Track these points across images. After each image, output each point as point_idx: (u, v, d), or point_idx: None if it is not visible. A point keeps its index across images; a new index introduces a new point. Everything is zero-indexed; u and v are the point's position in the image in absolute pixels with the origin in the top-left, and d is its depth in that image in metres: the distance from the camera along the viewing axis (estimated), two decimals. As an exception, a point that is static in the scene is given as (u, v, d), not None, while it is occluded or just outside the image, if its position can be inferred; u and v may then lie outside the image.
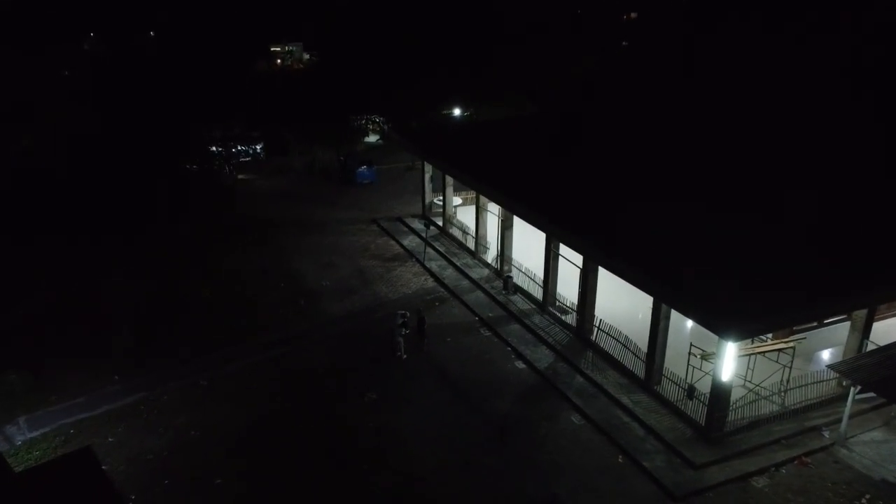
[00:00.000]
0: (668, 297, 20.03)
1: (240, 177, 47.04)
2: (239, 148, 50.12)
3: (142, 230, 31.58)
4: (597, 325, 24.28)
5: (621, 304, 25.24)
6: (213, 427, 21.19)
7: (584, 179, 28.28)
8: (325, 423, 21.34)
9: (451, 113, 53.22)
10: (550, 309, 26.89)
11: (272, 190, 44.41)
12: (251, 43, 67.92)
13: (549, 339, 25.31)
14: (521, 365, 24.33)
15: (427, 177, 36.89)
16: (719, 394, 19.26)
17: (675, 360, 21.68)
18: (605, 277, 23.41)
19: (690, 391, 20.43)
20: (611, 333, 23.53)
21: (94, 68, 55.82)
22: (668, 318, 21.30)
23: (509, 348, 25.32)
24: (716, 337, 18.46)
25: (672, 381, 21.17)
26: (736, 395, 19.81)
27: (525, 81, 53.17)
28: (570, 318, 25.84)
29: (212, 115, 47.46)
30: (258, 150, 50.66)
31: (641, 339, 22.13)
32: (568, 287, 26.25)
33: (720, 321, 17.70)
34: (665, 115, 40.86)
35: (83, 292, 27.97)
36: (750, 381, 20.97)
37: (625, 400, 21.68)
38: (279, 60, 78.51)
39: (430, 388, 23.03)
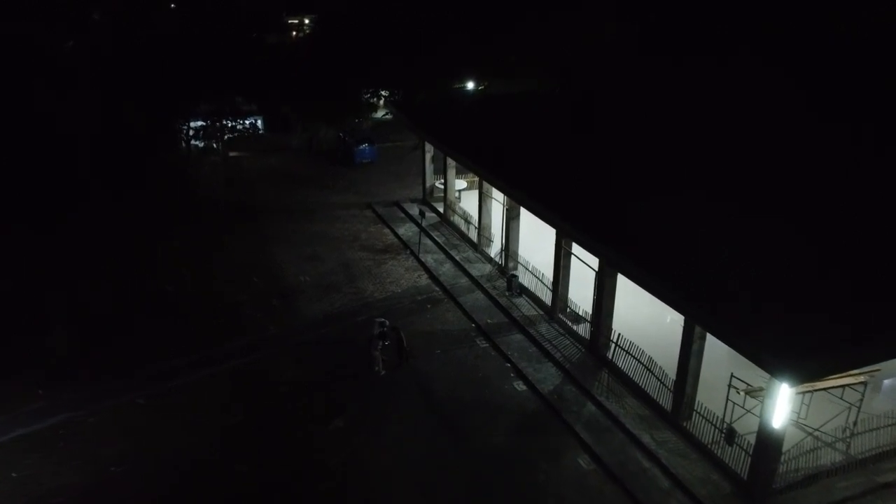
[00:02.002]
0: (705, 321, 15.76)
1: (231, 154, 43.32)
2: (232, 123, 46.25)
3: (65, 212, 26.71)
4: (614, 339, 20.09)
5: (644, 313, 21.00)
6: (140, 461, 17.48)
7: (603, 169, 23.85)
8: (281, 458, 17.53)
9: (464, 87, 48.77)
10: (560, 316, 22.73)
11: (263, 169, 40.69)
12: (264, 15, 63.62)
13: (557, 355, 21.18)
14: (521, 386, 20.26)
15: (428, 157, 32.73)
16: (768, 442, 15.03)
17: (710, 391, 17.45)
18: (626, 281, 19.18)
19: (730, 434, 16.19)
20: (631, 352, 19.35)
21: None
22: (703, 338, 17.05)
23: (508, 364, 21.24)
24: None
25: (705, 419, 16.97)
26: (788, 440, 15.55)
27: (545, 53, 48.36)
28: (583, 329, 21.67)
29: (200, 88, 43.45)
30: (256, 125, 46.71)
31: (669, 361, 17.95)
32: (582, 290, 22.05)
33: (777, 360, 13.39)
34: (700, 98, 35.93)
35: (14, 287, 24.28)
36: (806, 423, 16.69)
37: (646, 438, 17.52)
38: (294, 33, 74.84)
39: (410, 414, 19.10)
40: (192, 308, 24.39)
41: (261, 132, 47.71)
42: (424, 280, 26.66)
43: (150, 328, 23.00)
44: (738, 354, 14.76)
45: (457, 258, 27.60)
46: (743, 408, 16.86)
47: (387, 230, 31.27)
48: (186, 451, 17.76)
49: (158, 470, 17.14)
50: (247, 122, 45.99)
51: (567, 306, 22.65)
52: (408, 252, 28.92)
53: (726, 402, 16.99)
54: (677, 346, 17.55)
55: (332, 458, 17.49)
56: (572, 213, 20.49)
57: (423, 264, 27.68)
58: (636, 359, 19.12)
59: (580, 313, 22.03)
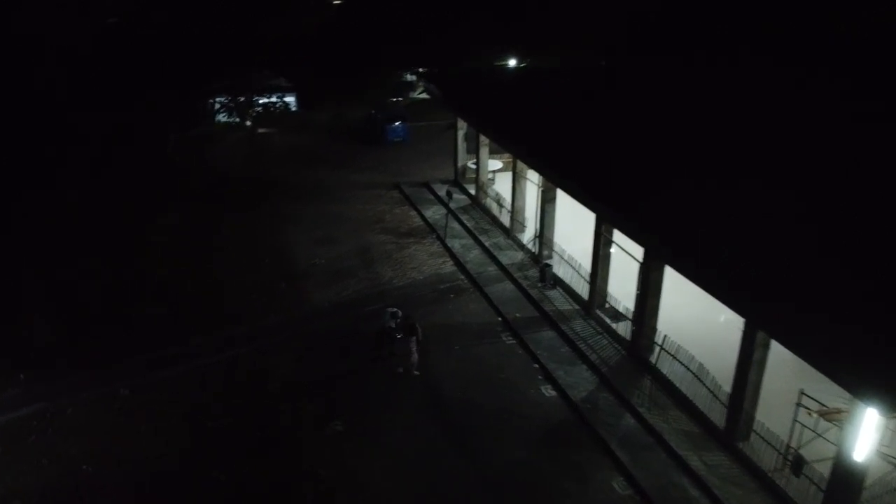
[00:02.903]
0: (773, 327, 12.91)
1: (259, 130, 41.55)
2: (262, 98, 44.43)
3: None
4: (659, 341, 17.31)
5: (693, 310, 18.17)
6: (113, 460, 15.55)
7: (651, 149, 20.87)
8: (267, 464, 15.39)
9: (502, 63, 45.89)
10: (597, 312, 20.00)
11: (290, 146, 38.65)
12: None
13: (592, 356, 18.50)
14: (549, 391, 17.67)
15: (460, 135, 30.15)
16: (847, 475, 12.17)
17: (772, 408, 14.61)
18: (673, 274, 16.42)
19: (798, 463, 13.34)
20: (678, 357, 16.57)
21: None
22: (766, 346, 14.19)
23: (536, 365, 18.66)
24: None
25: (767, 441, 14.15)
26: (870, 472, 12.64)
27: (586, 28, 45.06)
28: (624, 328, 18.91)
29: (225, 62, 41.60)
30: (285, 101, 44.81)
31: (722, 369, 15.17)
32: (623, 283, 19.29)
33: (866, 381, 10.52)
34: (758, 75, 32.35)
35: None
36: (892, 455, 13.71)
37: (693, 461, 14.76)
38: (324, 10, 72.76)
39: (417, 420, 16.72)
40: (190, 292, 22.43)
41: (292, 109, 45.91)
42: (449, 267, 24.20)
43: (143, 313, 21.11)
44: (806, 365, 11.94)
45: (486, 244, 25.04)
46: (814, 431, 13.97)
47: (413, 212, 28.87)
48: (163, 454, 15.74)
49: (128, 473, 15.19)
50: (275, 98, 44.26)
51: (606, 301, 19.91)
52: (433, 236, 26.49)
53: (793, 423, 14.08)
54: (732, 351, 14.73)
55: (321, 470, 15.21)
56: (614, 196, 17.74)
57: (448, 250, 25.21)
58: (684, 365, 16.34)
59: (620, 310, 19.27)
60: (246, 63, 44.36)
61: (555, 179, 20.86)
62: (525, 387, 17.83)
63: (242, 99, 42.59)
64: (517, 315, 20.85)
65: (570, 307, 20.84)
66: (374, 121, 39.21)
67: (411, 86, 50.27)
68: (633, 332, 18.24)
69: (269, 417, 16.80)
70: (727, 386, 15.09)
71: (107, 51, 37.34)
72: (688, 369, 16.25)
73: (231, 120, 42.72)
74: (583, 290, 20.66)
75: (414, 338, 18.04)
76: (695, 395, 16.00)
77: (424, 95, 48.52)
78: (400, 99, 47.39)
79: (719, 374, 15.49)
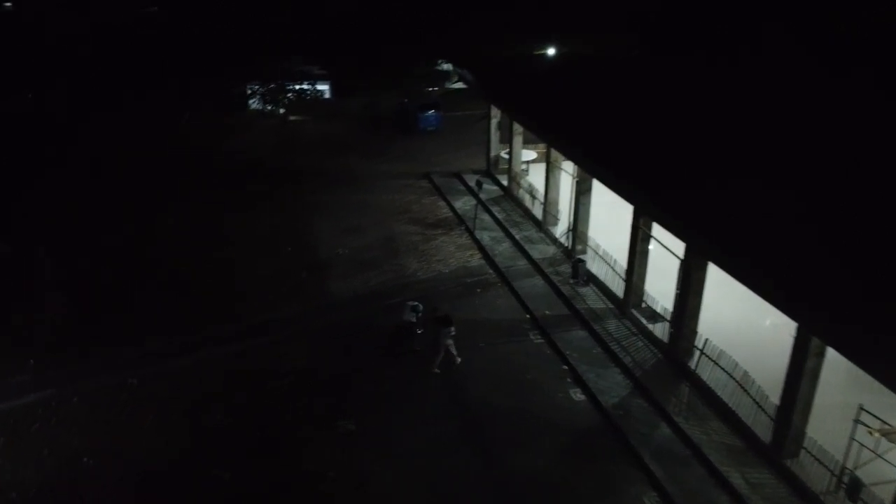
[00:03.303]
0: (835, 336, 11.47)
1: (291, 118, 40.96)
2: (295, 86, 43.79)
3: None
4: (699, 345, 15.95)
5: (736, 311, 16.82)
6: (115, 454, 14.82)
7: (694, 140, 19.37)
8: (272, 463, 14.52)
9: (543, 52, 44.43)
10: (633, 312, 18.69)
11: (320, 134, 37.95)
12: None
13: (626, 359, 17.21)
14: (578, 395, 16.45)
15: (494, 123, 28.97)
16: (912, 505, 10.75)
17: (825, 423, 13.21)
18: (716, 272, 15.08)
19: (854, 486, 11.94)
20: (721, 363, 15.20)
21: None
22: (821, 355, 12.77)
23: (566, 366, 17.44)
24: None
25: (819, 460, 12.75)
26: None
27: (632, 12, 43.20)
28: (661, 330, 17.58)
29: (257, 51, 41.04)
30: (315, 89, 44.10)
31: (769, 378, 13.81)
32: (662, 281, 17.95)
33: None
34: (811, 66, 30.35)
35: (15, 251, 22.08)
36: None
37: (735, 478, 13.42)
38: None
39: (434, 421, 15.66)
40: (207, 279, 21.73)
41: (326, 97, 45.24)
42: (477, 260, 23.07)
43: (158, 299, 20.48)
44: (867, 377, 10.56)
45: (517, 237, 23.84)
46: (874, 452, 12.51)
47: (442, 203, 27.80)
48: (167, 449, 14.97)
49: (129, 468, 14.44)
50: (307, 85, 43.61)
51: (642, 300, 18.58)
52: (462, 228, 25.39)
53: (850, 441, 12.64)
54: (779, 357, 13.39)
55: (330, 471, 14.26)
56: (655, 188, 16.41)
57: (477, 242, 24.09)
58: (727, 372, 14.97)
59: (658, 310, 17.93)
60: (280, 50, 43.84)
61: (591, 169, 19.58)
62: (552, 389, 16.63)
63: (274, 86, 42.05)
64: (547, 312, 19.65)
65: (604, 306, 19.56)
66: (407, 109, 38.23)
67: (447, 75, 49.25)
68: (672, 335, 16.90)
69: (278, 413, 15.92)
70: (774, 397, 13.72)
71: (146, 38, 37.10)
72: (731, 377, 14.88)
73: (264, 108, 42.23)
74: (618, 287, 19.36)
75: (451, 328, 17.01)
76: (738, 406, 14.63)
77: (460, 85, 47.45)
78: (435, 89, 46.36)
79: (765, 382, 14.13)
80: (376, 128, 38.58)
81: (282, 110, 41.99)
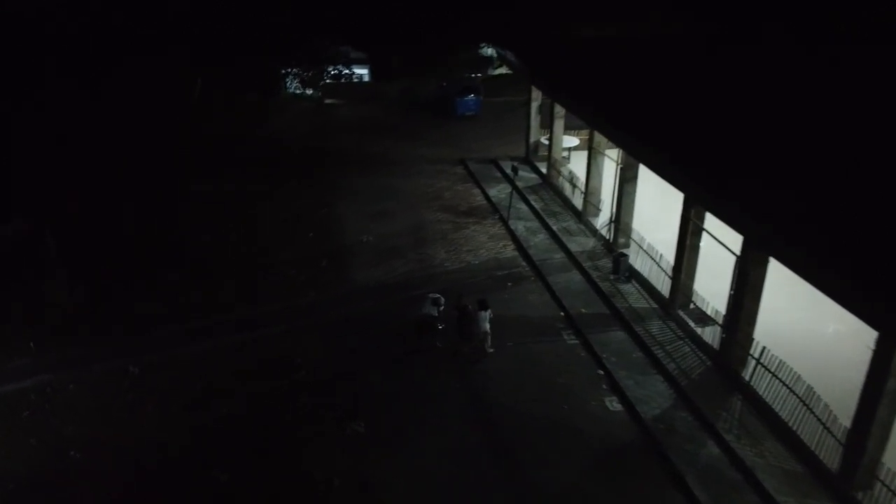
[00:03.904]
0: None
1: (327, 101, 39.82)
2: (335, 70, 42.66)
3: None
4: (754, 352, 14.04)
5: (795, 317, 14.89)
6: (108, 447, 13.76)
7: (755, 126, 17.35)
8: (274, 466, 13.25)
9: (593, 33, 42.25)
10: (679, 313, 16.82)
11: (355, 117, 36.59)
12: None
13: (670, 366, 15.40)
14: (614, 405, 14.73)
15: (534, 106, 27.18)
16: None
17: (906, 452, 11.26)
18: (777, 271, 13.23)
19: (942, 531, 10.01)
20: (781, 375, 13.30)
21: None
22: (904, 372, 10.82)
23: (601, 371, 15.72)
24: None
25: (898, 496, 10.84)
26: None
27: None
28: (710, 334, 15.69)
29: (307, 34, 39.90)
30: (354, 73, 42.92)
31: (835, 395, 11.90)
32: (713, 280, 16.07)
33: None
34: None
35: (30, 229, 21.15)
36: None
37: (794, 510, 11.60)
38: None
39: (454, 426, 14.17)
40: (224, 263, 20.59)
41: (365, 80, 44.05)
42: (510, 251, 21.43)
43: (172, 284, 19.40)
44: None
45: (554, 228, 22.10)
46: (967, 490, 10.54)
47: (476, 190, 26.19)
48: (163, 444, 13.85)
49: (120, 464, 13.36)
50: (344, 69, 42.51)
51: (691, 301, 16.69)
52: (496, 216, 23.75)
53: (937, 475, 10.70)
54: (847, 370, 11.49)
55: (337, 476, 12.92)
56: (710, 173, 14.52)
57: (511, 232, 22.43)
58: (788, 387, 13.07)
59: (708, 312, 16.03)
60: (320, 33, 42.69)
61: (639, 153, 17.70)
62: (586, 396, 14.95)
63: (313, 71, 40.97)
64: (583, 310, 17.93)
65: (647, 305, 17.74)
66: (445, 93, 36.64)
67: (490, 61, 47.66)
68: (723, 340, 15.02)
69: (284, 410, 14.63)
70: (845, 418, 11.80)
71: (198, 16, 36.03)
72: (792, 392, 12.98)
73: (302, 91, 41.26)
74: (663, 285, 17.51)
75: (488, 311, 15.83)
76: (800, 426, 12.74)
77: (503, 70, 45.78)
78: (478, 75, 44.76)
79: (830, 399, 12.21)
80: (414, 112, 37.12)
81: (318, 93, 40.93)
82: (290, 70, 41.02)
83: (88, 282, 18.90)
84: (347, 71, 42.29)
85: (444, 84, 37.41)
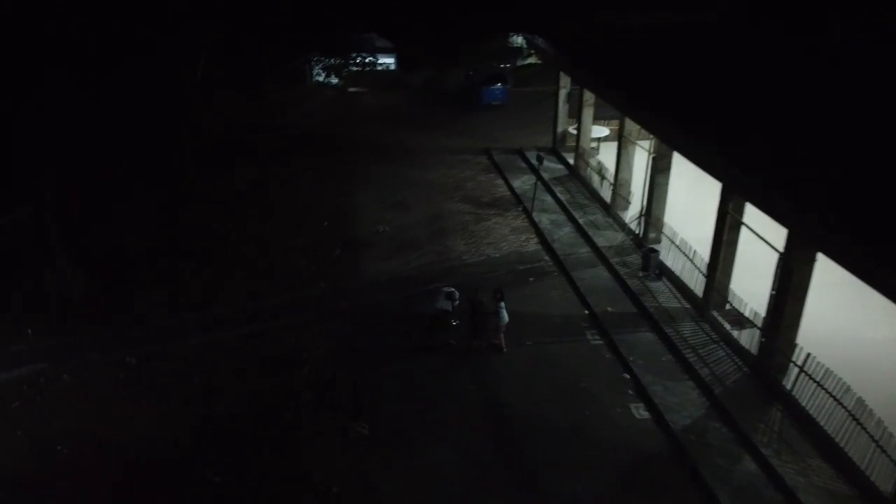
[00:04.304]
0: None
1: (350, 90, 38.95)
2: (359, 59, 41.76)
3: None
4: (797, 359, 12.73)
5: (848, 322, 13.52)
6: (97, 442, 12.99)
7: (806, 113, 15.94)
8: (270, 468, 12.34)
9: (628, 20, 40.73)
10: (714, 314, 15.54)
11: (378, 106, 35.76)
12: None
13: (703, 371, 14.14)
14: (640, 412, 13.54)
15: (562, 94, 25.95)
16: None
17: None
18: (823, 270, 11.94)
19: None
20: (827, 386, 11.98)
21: None
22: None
23: (627, 375, 14.53)
24: None
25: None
26: None
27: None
28: (749, 338, 14.39)
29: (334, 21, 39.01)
30: (377, 62, 41.93)
31: (887, 408, 10.58)
32: (752, 280, 14.76)
33: None
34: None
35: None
36: None
37: (842, 538, 10.32)
38: None
39: (464, 431, 13.12)
40: (236, 252, 19.78)
41: (390, 69, 43.08)
42: (533, 245, 20.28)
43: (177, 271, 18.63)
44: None
45: (580, 221, 20.88)
46: None
47: (500, 181, 25.05)
48: (155, 441, 13.02)
49: (109, 461, 12.57)
50: (368, 57, 41.54)
51: (727, 301, 15.39)
52: (520, 208, 22.60)
53: None
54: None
55: (336, 482, 11.96)
56: (751, 161, 13.22)
57: (535, 225, 21.27)
58: (835, 398, 11.75)
59: (746, 313, 14.71)
60: (347, 22, 41.83)
61: (675, 140, 16.39)
62: (609, 402, 13.77)
63: (339, 59, 40.13)
64: (609, 309, 16.72)
65: (679, 305, 16.47)
66: (471, 83, 35.50)
67: (520, 51, 46.46)
68: (762, 345, 13.72)
69: (285, 409, 13.71)
70: (899, 434, 10.50)
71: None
72: (839, 404, 11.66)
73: (327, 80, 40.48)
74: (697, 284, 16.23)
75: (502, 303, 14.83)
76: (848, 442, 11.43)
77: (533, 60, 44.49)
78: (507, 66, 43.57)
79: (886, 415, 10.90)
80: (439, 102, 36.07)
81: (341, 82, 40.11)
82: (315, 58, 40.29)
83: (91, 269, 18.16)
84: (372, 58, 41.34)
85: (471, 73, 36.28)
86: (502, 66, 42.46)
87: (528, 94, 36.40)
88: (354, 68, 40.66)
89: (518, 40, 46.75)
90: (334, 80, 40.24)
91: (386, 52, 43.11)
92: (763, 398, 13.29)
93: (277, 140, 29.18)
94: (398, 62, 44.48)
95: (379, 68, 42.22)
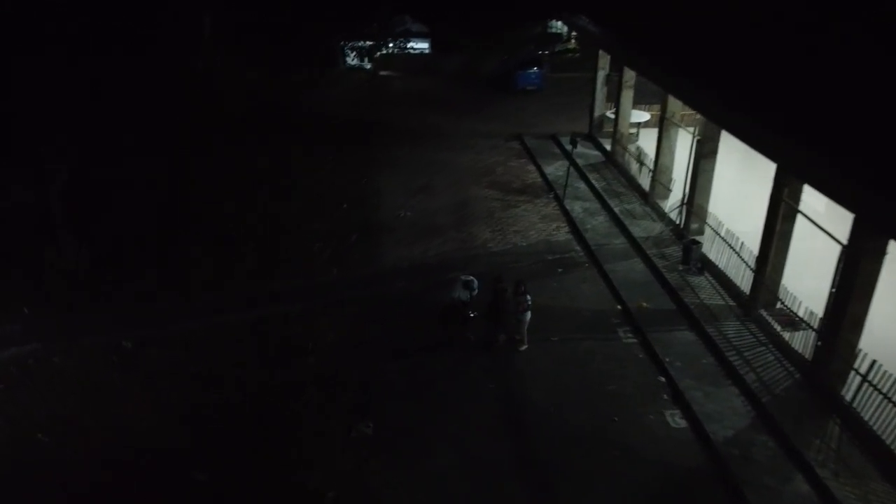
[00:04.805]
0: None
1: (382, 73, 37.87)
2: (391, 43, 40.66)
3: None
4: (860, 367, 11.15)
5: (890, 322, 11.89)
6: (81, 432, 12.06)
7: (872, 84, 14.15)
8: (263, 469, 11.25)
9: None
10: (763, 314, 13.97)
11: (410, 90, 34.61)
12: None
13: (749, 377, 12.61)
14: (677, 420, 12.09)
15: (601, 76, 24.38)
16: None
17: None
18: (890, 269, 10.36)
19: None
20: (893, 398, 10.40)
21: None
22: None
23: (663, 378, 13.08)
24: None
25: None
26: None
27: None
28: (802, 341, 12.80)
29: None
30: (410, 45, 40.77)
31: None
32: (807, 276, 13.16)
33: None
34: None
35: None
36: None
37: (913, 578, 8.77)
38: None
39: (479, 434, 11.85)
40: (251, 234, 18.77)
41: (424, 52, 41.91)
42: (563, 234, 18.87)
43: (186, 252, 17.69)
44: None
45: (615, 210, 19.39)
46: None
47: (532, 167, 23.66)
48: (142, 433, 12.04)
49: (92, 453, 11.62)
50: (407, 43, 40.42)
51: (778, 299, 13.80)
52: (551, 195, 21.21)
53: None
54: None
55: (333, 488, 10.81)
56: (814, 137, 11.62)
57: (566, 213, 19.86)
58: (905, 413, 10.16)
59: (800, 313, 13.11)
60: (383, 6, 40.77)
61: (724, 118, 14.81)
62: (642, 408, 12.36)
63: (372, 43, 39.08)
64: (644, 305, 15.25)
65: (722, 302, 14.92)
66: (507, 68, 34.10)
67: (559, 37, 44.99)
68: (818, 349, 12.13)
69: (286, 405, 12.60)
70: None
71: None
72: (910, 420, 10.08)
73: (358, 63, 39.52)
74: (743, 279, 14.66)
75: (526, 295, 13.48)
76: (921, 465, 9.86)
77: (571, 44, 42.95)
78: (546, 52, 42.09)
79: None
80: (472, 86, 34.76)
81: (372, 65, 39.09)
82: (350, 43, 39.35)
83: (97, 247, 17.34)
84: (404, 42, 40.20)
85: (506, 58, 34.89)
86: (540, 51, 41.01)
87: (565, 79, 34.96)
88: (388, 51, 39.61)
89: (558, 25, 45.31)
90: (367, 64, 39.29)
91: (420, 36, 42.00)
92: (818, 409, 11.73)
93: (304, 121, 28.22)
94: (432, 46, 43.32)
95: (413, 52, 41.15)
